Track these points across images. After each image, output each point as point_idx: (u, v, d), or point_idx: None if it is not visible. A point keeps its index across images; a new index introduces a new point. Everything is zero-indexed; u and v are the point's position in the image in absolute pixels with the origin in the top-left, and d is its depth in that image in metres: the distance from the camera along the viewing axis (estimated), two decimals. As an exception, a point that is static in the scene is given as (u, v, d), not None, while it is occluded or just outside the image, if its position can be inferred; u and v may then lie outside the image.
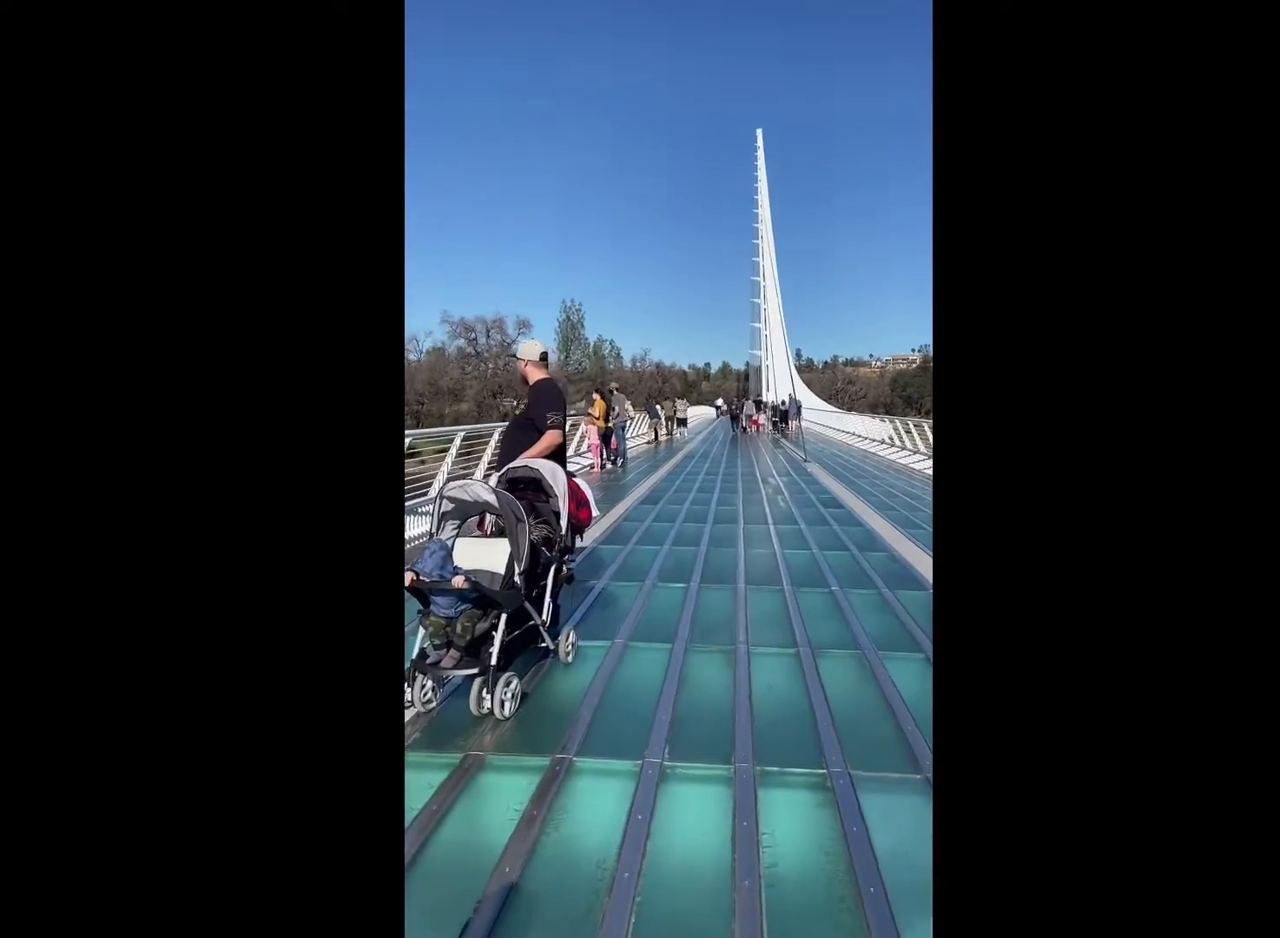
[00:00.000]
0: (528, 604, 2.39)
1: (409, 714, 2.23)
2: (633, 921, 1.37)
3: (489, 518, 2.62)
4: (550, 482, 2.64)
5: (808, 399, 41.42)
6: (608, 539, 5.22)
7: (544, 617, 2.51)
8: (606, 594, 3.75)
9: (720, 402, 38.02)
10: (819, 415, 31.44)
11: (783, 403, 26.17)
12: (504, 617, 2.25)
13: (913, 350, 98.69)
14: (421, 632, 2.28)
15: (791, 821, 1.70)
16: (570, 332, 62.22)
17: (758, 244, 46.61)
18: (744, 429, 22.65)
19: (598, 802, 1.79)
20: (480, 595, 2.22)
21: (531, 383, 3.14)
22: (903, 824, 1.70)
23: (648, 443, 17.20)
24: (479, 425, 8.56)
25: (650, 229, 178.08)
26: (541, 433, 2.97)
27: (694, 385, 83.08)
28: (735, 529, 5.67)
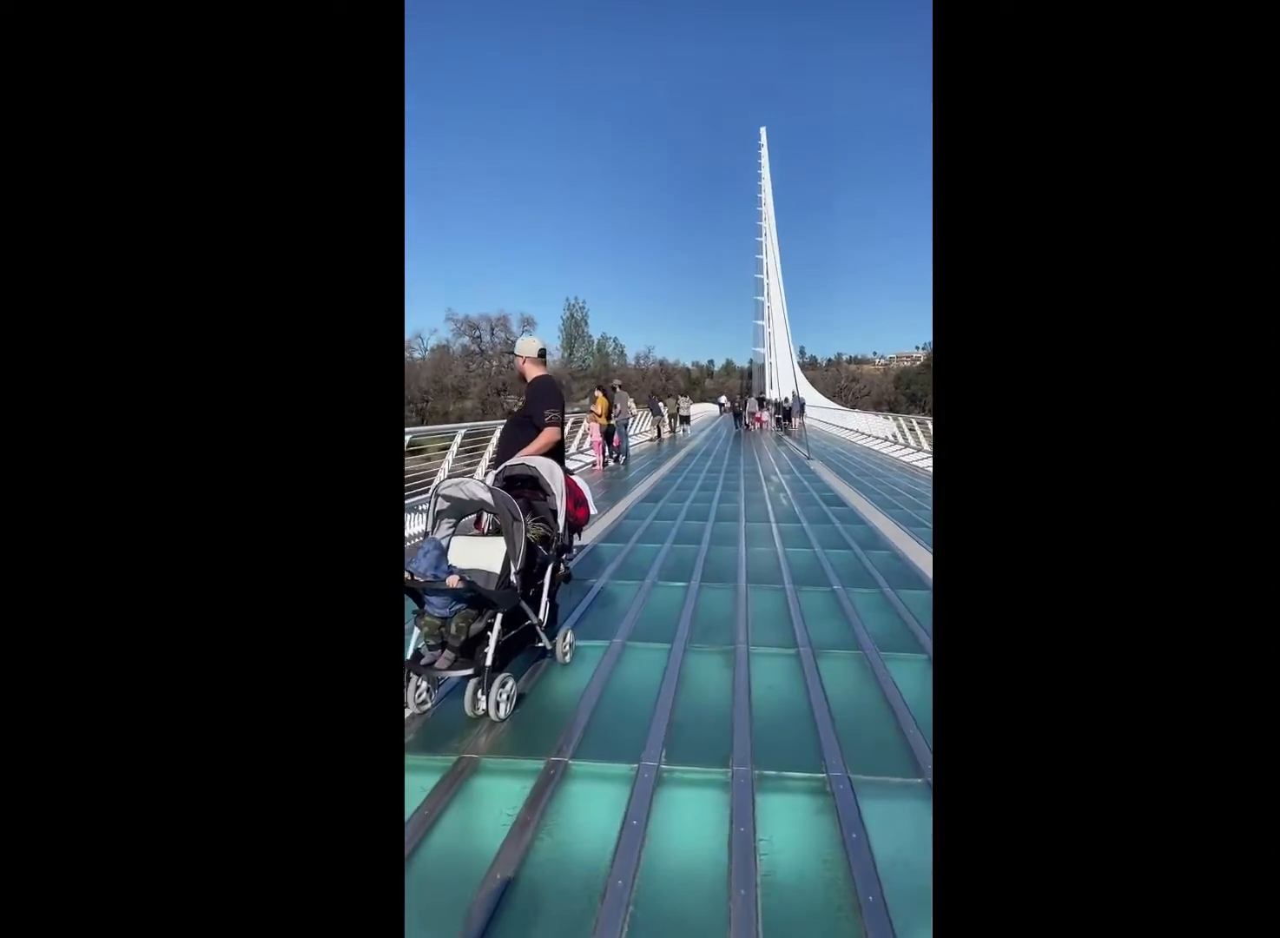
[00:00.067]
0: (524, 604, 2.36)
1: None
2: (625, 930, 1.34)
3: (486, 516, 2.59)
4: (547, 480, 2.61)
5: (811, 396, 41.37)
6: (608, 537, 5.20)
7: (541, 616, 2.48)
8: (606, 593, 3.72)
9: (724, 399, 38.04)
10: (822, 413, 31.40)
11: (786, 400, 26.16)
12: (499, 617, 2.23)
13: (917, 347, 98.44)
14: (416, 632, 2.25)
15: (790, 827, 1.67)
16: (574, 329, 62.28)
17: (761, 242, 46.56)
18: (747, 426, 22.63)
19: (592, 806, 1.76)
20: (475, 595, 2.19)
21: (530, 380, 3.11)
22: (903, 830, 1.66)
23: (651, 440, 17.18)
24: (480, 423, 8.54)
25: (653, 228, 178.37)
26: (540, 430, 2.94)
27: (698, 383, 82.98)
28: (737, 527, 5.64)
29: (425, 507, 2.43)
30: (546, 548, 2.53)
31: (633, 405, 13.78)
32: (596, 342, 64.01)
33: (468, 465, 7.71)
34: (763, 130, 55.13)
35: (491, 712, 2.15)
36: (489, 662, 2.15)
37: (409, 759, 1.95)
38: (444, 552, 2.31)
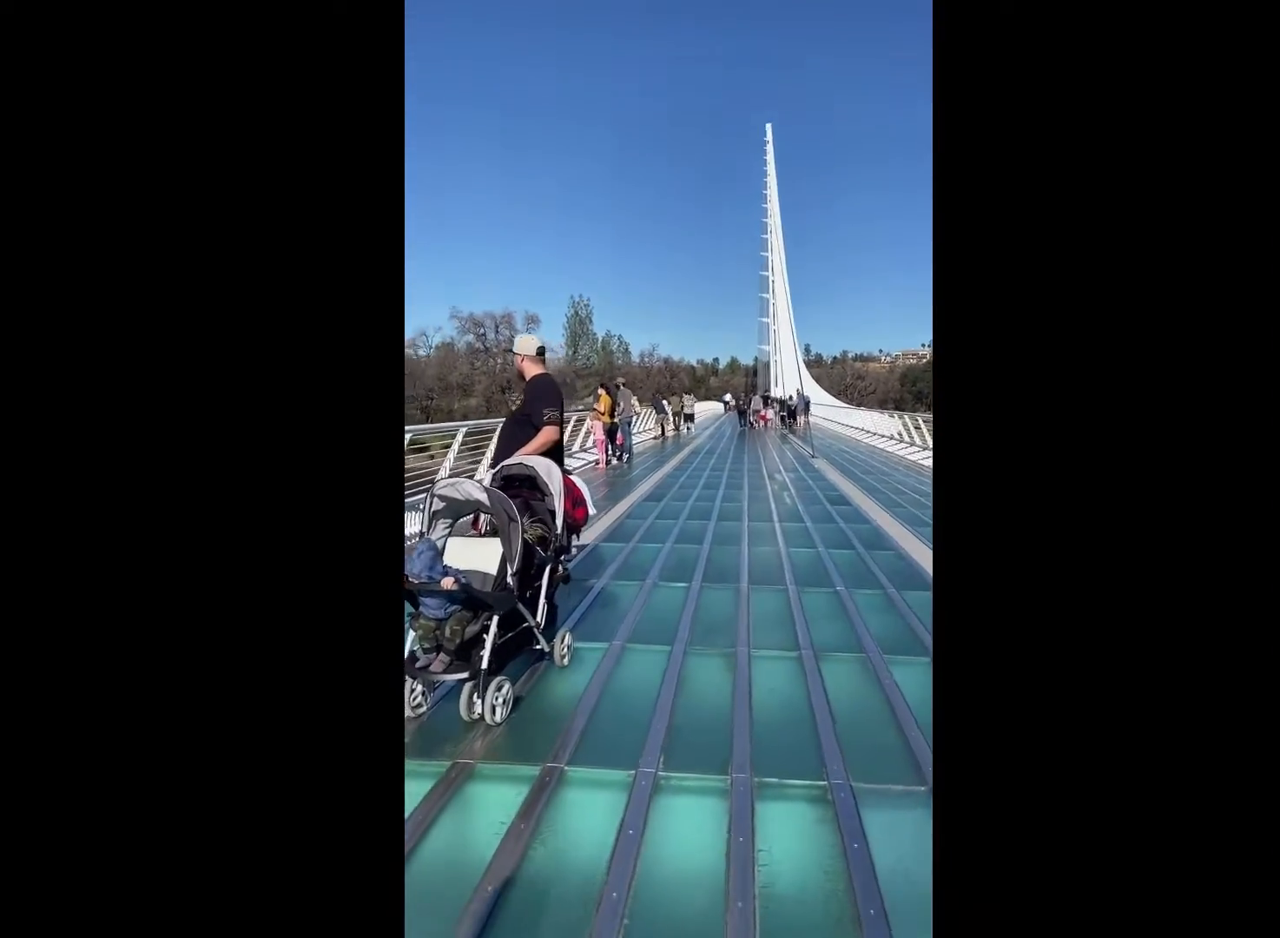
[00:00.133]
0: (521, 606, 2.32)
1: (398, 719, 2.18)
2: (619, 944, 1.30)
3: (483, 517, 2.56)
4: (545, 479, 2.58)
5: (816, 394, 41.31)
6: (609, 537, 5.16)
7: (538, 618, 2.44)
8: (606, 594, 3.68)
9: (728, 397, 37.99)
10: (827, 411, 31.31)
11: (790, 398, 26.08)
12: (495, 619, 2.19)
13: (923, 345, 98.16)
14: (411, 634, 2.22)
15: (789, 836, 1.63)
16: (578, 327, 62.31)
17: (766, 239, 46.41)
18: (751, 425, 22.57)
19: (588, 814, 1.73)
20: (470, 597, 2.16)
21: (528, 378, 3.07)
22: (905, 840, 1.62)
23: (655, 438, 17.14)
24: (483, 421, 8.51)
25: (656, 227, 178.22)
26: (538, 429, 2.90)
27: (702, 381, 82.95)
28: (740, 527, 5.60)
29: (422, 507, 2.39)
30: (544, 549, 2.49)
31: (636, 404, 13.75)
32: (601, 339, 64.06)
33: (470, 463, 7.69)
34: (768, 126, 55.01)
35: (487, 716, 2.11)
36: (485, 665, 2.12)
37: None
38: (439, 553, 2.28)
